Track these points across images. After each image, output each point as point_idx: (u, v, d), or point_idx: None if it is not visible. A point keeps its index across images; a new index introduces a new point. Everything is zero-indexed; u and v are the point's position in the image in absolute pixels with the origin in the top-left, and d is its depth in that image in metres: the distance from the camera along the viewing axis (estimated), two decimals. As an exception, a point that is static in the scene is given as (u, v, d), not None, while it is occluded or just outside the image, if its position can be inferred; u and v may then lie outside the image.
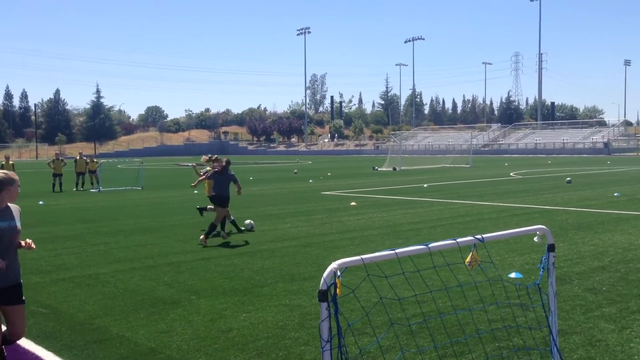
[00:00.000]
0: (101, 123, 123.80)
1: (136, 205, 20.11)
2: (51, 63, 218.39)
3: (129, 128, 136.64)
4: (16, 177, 4.86)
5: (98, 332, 6.42)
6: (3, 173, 4.80)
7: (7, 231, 4.69)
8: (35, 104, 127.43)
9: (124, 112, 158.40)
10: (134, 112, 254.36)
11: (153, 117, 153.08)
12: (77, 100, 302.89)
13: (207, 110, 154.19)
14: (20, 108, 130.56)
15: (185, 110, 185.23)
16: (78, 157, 29.17)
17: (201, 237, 12.02)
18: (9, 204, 4.81)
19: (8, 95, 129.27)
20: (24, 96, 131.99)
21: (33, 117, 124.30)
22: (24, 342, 6.01)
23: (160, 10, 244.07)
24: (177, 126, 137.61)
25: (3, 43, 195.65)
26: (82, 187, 28.14)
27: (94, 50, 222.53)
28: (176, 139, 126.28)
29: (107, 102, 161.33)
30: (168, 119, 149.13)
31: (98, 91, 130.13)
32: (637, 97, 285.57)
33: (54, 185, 27.54)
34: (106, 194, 25.19)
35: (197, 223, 15.08)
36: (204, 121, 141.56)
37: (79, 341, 6.11)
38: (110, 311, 7.21)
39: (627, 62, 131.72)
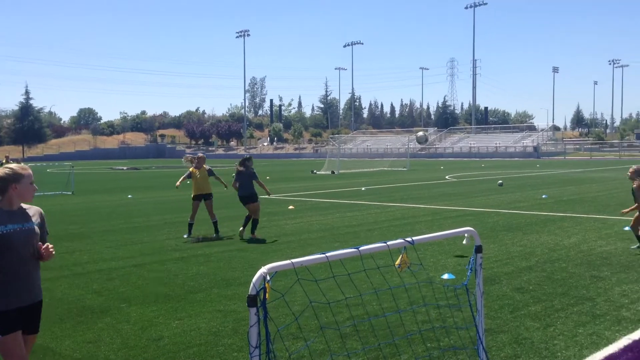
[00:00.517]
0: (30, 125, 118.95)
1: (65, 211, 19.44)
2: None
3: (60, 131, 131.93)
4: (26, 172, 4.15)
5: (21, 343, 6.14)
6: (9, 169, 4.12)
7: (21, 234, 3.99)
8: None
9: (55, 114, 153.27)
10: (66, 114, 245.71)
11: (86, 120, 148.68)
12: (5, 102, 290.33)
13: (144, 112, 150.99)
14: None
15: (120, 112, 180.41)
16: (4, 161, 28.08)
17: (246, 232, 12.93)
18: (25, 205, 4.18)
19: None
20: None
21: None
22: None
23: (94, 9, 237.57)
24: (112, 129, 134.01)
25: None
26: None
27: (22, 49, 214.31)
28: (110, 142, 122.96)
29: (36, 103, 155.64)
30: (102, 121, 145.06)
31: (27, 92, 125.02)
32: (564, 103, 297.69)
33: None
34: (33, 199, 24.25)
35: (130, 229, 14.70)
36: (140, 124, 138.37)
37: (-1, 354, 5.83)
38: (34, 321, 6.92)
39: (555, 69, 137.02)
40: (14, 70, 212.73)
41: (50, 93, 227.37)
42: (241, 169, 13.12)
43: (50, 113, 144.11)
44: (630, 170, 10.65)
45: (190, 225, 13.41)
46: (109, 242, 12.76)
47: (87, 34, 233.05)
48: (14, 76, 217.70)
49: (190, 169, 13.76)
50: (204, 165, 13.85)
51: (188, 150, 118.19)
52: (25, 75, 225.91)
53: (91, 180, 38.99)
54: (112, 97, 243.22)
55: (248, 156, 13.75)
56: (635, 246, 10.68)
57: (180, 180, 13.89)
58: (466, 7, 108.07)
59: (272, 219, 16.22)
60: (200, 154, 14.09)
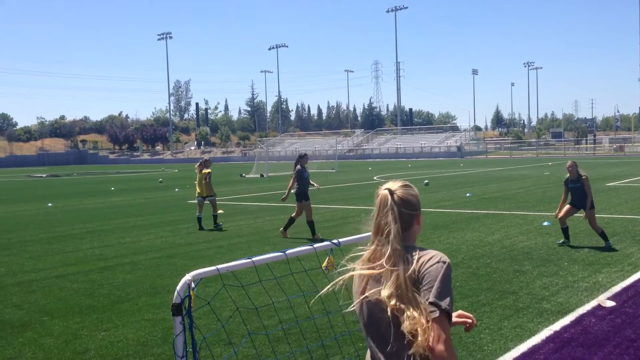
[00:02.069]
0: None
1: (-19, 222, 18.43)
2: None
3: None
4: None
5: None
6: None
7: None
8: None
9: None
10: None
11: (0, 126, 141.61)
12: None
13: (62, 117, 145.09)
14: None
15: (37, 117, 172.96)
16: None
17: (288, 232, 13.05)
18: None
19: None
20: None
21: None
22: None
23: (8, 9, 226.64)
24: (29, 135, 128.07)
25: None
26: None
27: None
28: (28, 149, 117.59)
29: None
30: (18, 127, 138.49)
31: None
32: (484, 104, 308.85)
33: None
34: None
35: (50, 238, 14.10)
36: (59, 129, 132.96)
37: None
38: (-53, 340, 6.51)
39: (475, 72, 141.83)
40: None
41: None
42: (302, 166, 13.00)
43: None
44: (568, 164, 11.07)
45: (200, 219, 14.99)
46: (28, 253, 12.19)
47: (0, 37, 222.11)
48: None
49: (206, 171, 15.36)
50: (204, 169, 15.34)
51: (112, 156, 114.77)
52: None
53: (8, 189, 37.15)
54: (28, 102, 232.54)
55: (303, 153, 13.88)
56: (560, 241, 11.10)
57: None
58: (387, 11, 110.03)
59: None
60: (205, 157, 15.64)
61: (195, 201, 15.78)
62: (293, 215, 13.19)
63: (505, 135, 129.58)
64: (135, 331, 6.62)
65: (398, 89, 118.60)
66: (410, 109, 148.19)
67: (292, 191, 13.23)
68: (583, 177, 10.84)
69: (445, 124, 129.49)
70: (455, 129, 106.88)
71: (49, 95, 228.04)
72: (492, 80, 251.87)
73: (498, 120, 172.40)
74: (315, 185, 13.89)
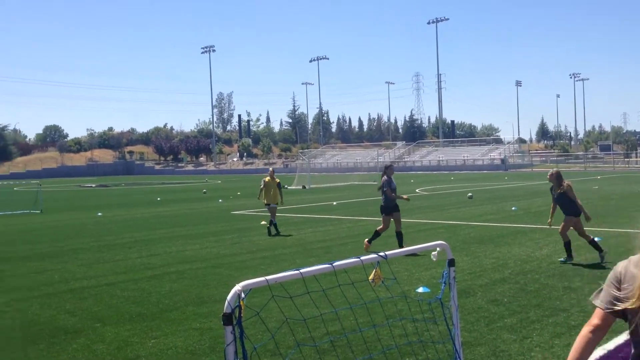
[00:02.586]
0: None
1: (34, 230, 19.04)
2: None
3: (26, 148, 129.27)
4: None
5: (-8, 367, 5.99)
6: None
7: None
8: None
9: (20, 131, 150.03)
10: (31, 131, 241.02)
11: (52, 137, 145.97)
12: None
13: (111, 129, 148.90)
14: None
15: (87, 129, 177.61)
16: None
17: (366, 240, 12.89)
18: None
19: None
20: None
21: None
22: None
23: (59, 25, 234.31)
24: (79, 146, 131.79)
25: None
26: None
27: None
28: (78, 160, 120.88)
29: (0, 121, 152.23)
30: (68, 138, 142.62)
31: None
32: (528, 116, 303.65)
33: None
34: (0, 218, 23.68)
35: (100, 247, 14.46)
36: (107, 140, 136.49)
37: (-31, 379, 5.67)
38: (6, 345, 6.76)
39: (519, 83, 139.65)
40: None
41: (13, 111, 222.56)
42: (385, 178, 13.04)
43: (15, 131, 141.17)
44: (550, 174, 10.95)
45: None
46: (79, 260, 12.53)
47: (52, 51, 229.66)
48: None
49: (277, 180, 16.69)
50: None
51: (157, 167, 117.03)
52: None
53: (59, 199, 38.28)
54: (78, 114, 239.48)
55: (389, 164, 14.08)
56: (562, 259, 10.83)
57: None
58: (428, 23, 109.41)
59: (244, 234, 16.15)
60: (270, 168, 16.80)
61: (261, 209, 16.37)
62: (379, 228, 13.01)
63: (551, 147, 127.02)
64: (183, 339, 6.73)
65: (440, 101, 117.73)
66: (452, 121, 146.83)
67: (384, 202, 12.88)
68: (565, 185, 10.68)
69: (488, 136, 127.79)
70: (498, 141, 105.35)
71: (98, 107, 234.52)
72: (536, 91, 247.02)
73: (543, 132, 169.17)
74: (404, 197, 13.57)
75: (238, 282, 3.29)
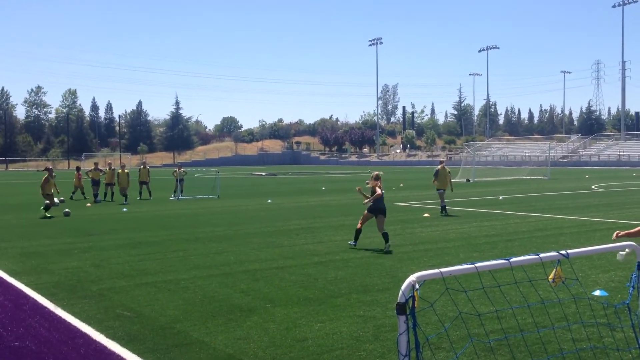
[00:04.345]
0: (180, 133, 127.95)
1: (213, 214, 20.64)
2: (134, 76, 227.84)
3: (206, 138, 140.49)
4: None
5: (179, 336, 6.63)
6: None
7: None
8: (119, 115, 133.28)
9: (201, 122, 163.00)
10: (211, 122, 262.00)
11: (228, 128, 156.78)
12: (158, 112, 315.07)
13: (280, 120, 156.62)
14: (105, 119, 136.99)
15: (259, 120, 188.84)
16: (142, 167, 28.74)
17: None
18: None
19: (94, 107, 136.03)
20: (109, 108, 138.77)
21: (117, 128, 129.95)
22: (110, 344, 6.29)
23: (238, 26, 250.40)
24: (251, 136, 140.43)
25: (90, 57, 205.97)
26: (140, 197, 28.05)
27: (174, 63, 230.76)
28: (250, 149, 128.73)
29: (185, 113, 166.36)
30: (242, 129, 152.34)
31: (177, 102, 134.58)
32: None
33: (105, 194, 27.18)
34: (185, 202, 25.98)
35: (270, 232, 15.30)
36: (277, 131, 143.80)
37: (161, 345, 6.34)
38: (189, 316, 7.44)
39: None
40: (165, 83, 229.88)
41: (197, 103, 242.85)
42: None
43: (197, 122, 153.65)
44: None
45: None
46: (252, 244, 13.39)
47: (230, 49, 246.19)
48: (165, 88, 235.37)
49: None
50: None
51: (322, 157, 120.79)
52: (175, 87, 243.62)
53: (234, 185, 41.09)
54: (251, 106, 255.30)
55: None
56: None
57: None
58: (613, 6, 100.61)
59: (406, 226, 16.17)
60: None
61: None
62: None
63: None
64: (348, 326, 6.94)
65: (623, 91, 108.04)
66: (637, 113, 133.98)
67: None
68: None
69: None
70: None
71: (269, 100, 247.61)
72: None
73: None
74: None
75: (400, 273, 3.35)
